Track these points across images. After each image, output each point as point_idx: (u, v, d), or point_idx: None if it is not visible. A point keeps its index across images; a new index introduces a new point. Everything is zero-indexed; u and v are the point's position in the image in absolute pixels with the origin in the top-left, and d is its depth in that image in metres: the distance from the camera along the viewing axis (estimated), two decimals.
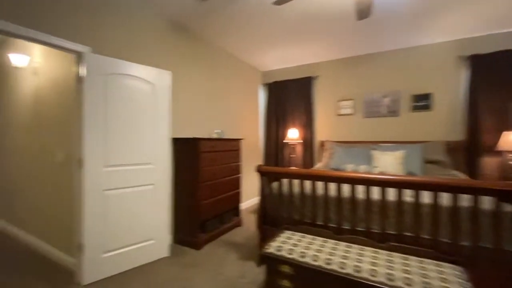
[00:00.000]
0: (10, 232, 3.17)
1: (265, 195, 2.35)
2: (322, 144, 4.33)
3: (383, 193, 1.85)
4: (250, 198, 4.54)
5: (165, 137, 2.56)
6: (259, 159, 4.90)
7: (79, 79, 2.06)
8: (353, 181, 1.91)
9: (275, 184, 2.41)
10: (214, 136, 3.50)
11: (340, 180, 1.95)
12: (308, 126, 4.42)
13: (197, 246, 2.69)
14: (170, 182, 2.66)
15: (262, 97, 5.01)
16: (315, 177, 2.06)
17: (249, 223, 3.57)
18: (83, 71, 2.02)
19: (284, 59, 4.32)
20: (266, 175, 2.30)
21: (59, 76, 2.48)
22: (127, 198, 2.27)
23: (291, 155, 4.55)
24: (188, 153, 2.77)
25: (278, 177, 2.26)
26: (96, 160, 2.08)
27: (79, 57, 2.06)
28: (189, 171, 2.76)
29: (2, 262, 2.44)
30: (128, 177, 2.27)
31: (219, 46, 3.75)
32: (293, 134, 4.33)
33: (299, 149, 4.55)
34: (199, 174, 2.70)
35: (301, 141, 4.47)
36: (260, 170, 2.27)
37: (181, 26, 3.08)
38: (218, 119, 3.74)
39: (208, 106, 3.53)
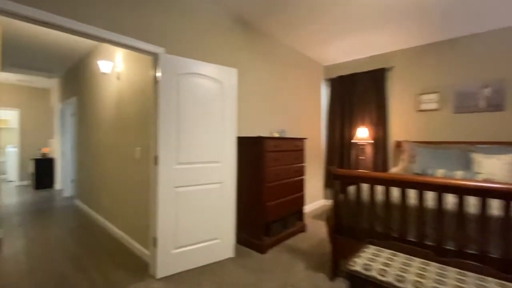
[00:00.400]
0: (100, 222, 3.59)
1: (339, 201, 2.08)
2: (399, 144, 3.78)
3: (509, 208, 1.40)
4: (312, 202, 4.26)
5: (232, 135, 2.51)
6: (320, 160, 4.58)
7: (155, 80, 2.14)
8: (471, 192, 1.50)
9: (351, 189, 2.12)
10: (275, 135, 3.36)
11: (449, 189, 1.56)
12: (380, 125, 3.92)
13: (261, 249, 2.57)
14: (236, 181, 2.61)
15: (324, 93, 4.67)
16: (411, 184, 1.70)
17: (314, 229, 3.31)
18: (158, 71, 2.09)
19: (351, 50, 3.91)
20: (341, 179, 2.03)
21: (137, 79, 2.66)
22: (195, 196, 2.28)
23: (359, 157, 4.10)
24: (252, 152, 2.68)
25: (354, 182, 1.96)
26: (169, 158, 2.13)
27: (155, 59, 2.15)
28: (253, 171, 2.67)
29: (90, 246, 2.74)
30: (197, 175, 2.28)
31: (280, 40, 3.60)
32: (362, 134, 3.89)
33: (369, 150, 4.07)
34: (264, 174, 2.58)
35: (372, 141, 3.99)
36: (335, 173, 2.01)
37: (244, 21, 3.02)
38: (279, 117, 3.59)
39: (269, 104, 3.40)
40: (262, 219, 2.59)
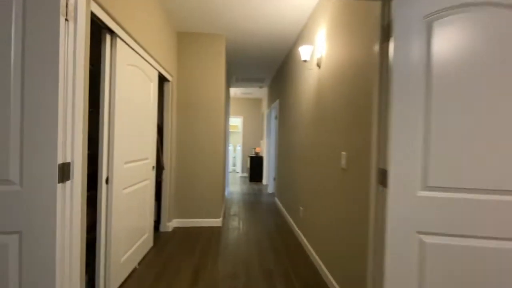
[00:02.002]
0: (295, 232, 3.30)
1: None
2: None
3: None
4: None
5: None
6: None
7: (383, 55, 1.24)
8: None
9: None
10: None
11: None
12: None
13: None
14: None
15: None
16: None
17: None
18: (395, 39, 1.17)
19: None
20: None
21: (344, 62, 1.91)
22: (466, 258, 1.11)
23: None
24: None
25: None
26: (406, 177, 1.15)
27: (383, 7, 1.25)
28: None
29: (284, 264, 2.36)
30: (468, 215, 1.11)
31: None
32: None
33: None
34: None
35: None
36: None
37: None
38: None
39: None
40: None
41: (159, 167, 3.08)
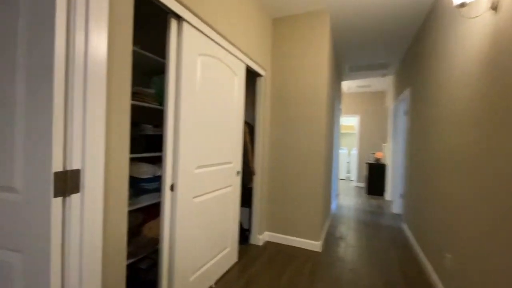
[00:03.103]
0: (433, 282, 2.14)
1: None
2: None
3: None
4: None
5: None
6: None
7: None
8: None
9: None
10: None
11: None
12: None
13: None
14: None
15: None
16: None
17: None
18: None
19: None
20: None
21: None
22: None
23: None
24: None
25: None
26: None
27: None
28: None
29: None
30: None
31: None
32: None
33: None
34: None
35: None
36: None
37: None
38: None
39: None
40: None
41: (249, 172, 2.76)
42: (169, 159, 1.54)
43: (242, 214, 3.01)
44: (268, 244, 2.85)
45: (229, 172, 2.18)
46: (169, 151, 1.54)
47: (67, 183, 0.84)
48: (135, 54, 1.66)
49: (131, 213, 1.67)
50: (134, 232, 1.76)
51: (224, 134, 2.06)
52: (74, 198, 0.87)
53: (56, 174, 0.80)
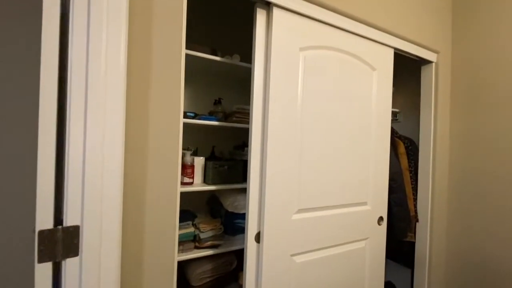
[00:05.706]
0: None
1: None
2: None
3: None
4: None
5: None
6: None
7: None
8: None
9: None
10: None
11: None
12: None
13: None
14: None
15: None
16: None
17: None
18: None
19: None
20: None
21: None
22: None
23: None
24: None
25: None
26: None
27: None
28: None
29: None
30: None
31: None
32: None
33: None
34: None
35: None
36: None
37: None
38: None
39: None
40: None
41: (407, 217, 1.75)
42: (253, 194, 1.12)
43: (395, 273, 2.01)
44: None
45: (361, 218, 1.42)
46: (253, 184, 1.12)
47: (55, 244, 0.64)
48: (237, 68, 1.45)
49: (223, 256, 1.40)
50: (225, 280, 1.46)
51: (350, 159, 1.36)
52: (71, 263, 0.66)
53: (40, 233, 0.61)
